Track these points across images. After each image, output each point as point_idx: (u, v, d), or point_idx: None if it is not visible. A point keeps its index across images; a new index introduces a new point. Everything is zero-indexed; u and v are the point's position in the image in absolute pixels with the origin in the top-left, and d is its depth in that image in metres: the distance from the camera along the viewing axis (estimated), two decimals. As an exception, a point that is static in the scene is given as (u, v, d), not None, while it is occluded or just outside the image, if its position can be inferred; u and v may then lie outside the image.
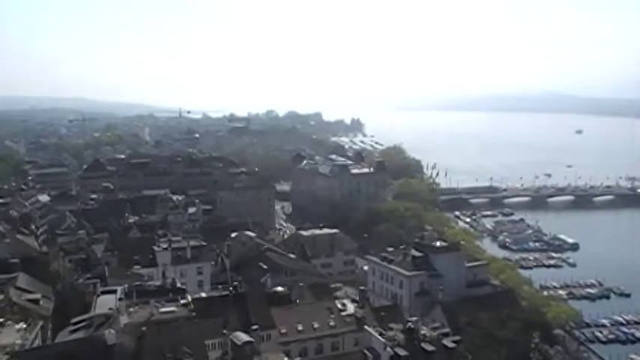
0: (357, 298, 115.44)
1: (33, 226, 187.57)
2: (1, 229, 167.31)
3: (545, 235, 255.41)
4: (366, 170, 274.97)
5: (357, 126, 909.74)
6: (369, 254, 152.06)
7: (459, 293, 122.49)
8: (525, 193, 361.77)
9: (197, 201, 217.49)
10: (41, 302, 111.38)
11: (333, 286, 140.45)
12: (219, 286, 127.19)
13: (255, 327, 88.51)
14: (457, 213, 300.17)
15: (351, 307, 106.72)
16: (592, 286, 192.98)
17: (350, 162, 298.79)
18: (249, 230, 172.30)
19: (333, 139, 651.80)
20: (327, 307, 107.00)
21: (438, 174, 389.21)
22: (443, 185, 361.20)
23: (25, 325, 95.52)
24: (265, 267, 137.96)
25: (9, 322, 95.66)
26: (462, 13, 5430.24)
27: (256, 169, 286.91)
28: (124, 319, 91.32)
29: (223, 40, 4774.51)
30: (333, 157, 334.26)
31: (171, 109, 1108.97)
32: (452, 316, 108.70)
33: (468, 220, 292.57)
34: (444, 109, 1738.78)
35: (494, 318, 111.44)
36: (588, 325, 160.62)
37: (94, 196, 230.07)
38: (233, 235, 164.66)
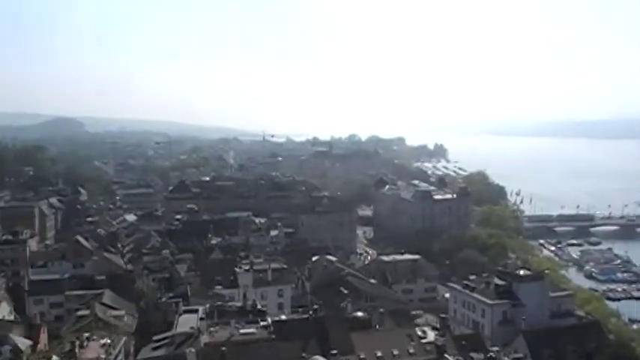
0: (438, 326, 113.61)
1: (119, 245, 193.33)
2: (89, 246, 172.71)
3: (635, 265, 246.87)
4: (448, 196, 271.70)
5: (440, 151, 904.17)
6: (450, 281, 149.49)
7: (543, 324, 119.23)
8: (614, 222, 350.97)
9: (279, 224, 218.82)
10: (125, 319, 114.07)
11: (413, 312, 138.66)
12: (300, 309, 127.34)
13: (334, 351, 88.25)
14: (542, 241, 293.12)
15: (431, 335, 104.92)
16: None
17: (433, 188, 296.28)
18: (331, 254, 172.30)
19: (416, 164, 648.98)
20: (407, 333, 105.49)
21: (522, 201, 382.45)
22: (527, 212, 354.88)
23: (109, 341, 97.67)
24: (346, 291, 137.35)
25: (94, 337, 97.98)
26: (543, 37, 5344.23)
27: (338, 193, 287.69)
28: (204, 339, 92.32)
29: (306, 65, 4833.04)
30: (416, 182, 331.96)
31: (255, 132, 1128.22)
32: (535, 347, 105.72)
33: (552, 248, 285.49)
34: (526, 134, 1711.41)
35: (579, 351, 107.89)
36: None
37: (178, 216, 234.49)
38: (314, 258, 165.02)
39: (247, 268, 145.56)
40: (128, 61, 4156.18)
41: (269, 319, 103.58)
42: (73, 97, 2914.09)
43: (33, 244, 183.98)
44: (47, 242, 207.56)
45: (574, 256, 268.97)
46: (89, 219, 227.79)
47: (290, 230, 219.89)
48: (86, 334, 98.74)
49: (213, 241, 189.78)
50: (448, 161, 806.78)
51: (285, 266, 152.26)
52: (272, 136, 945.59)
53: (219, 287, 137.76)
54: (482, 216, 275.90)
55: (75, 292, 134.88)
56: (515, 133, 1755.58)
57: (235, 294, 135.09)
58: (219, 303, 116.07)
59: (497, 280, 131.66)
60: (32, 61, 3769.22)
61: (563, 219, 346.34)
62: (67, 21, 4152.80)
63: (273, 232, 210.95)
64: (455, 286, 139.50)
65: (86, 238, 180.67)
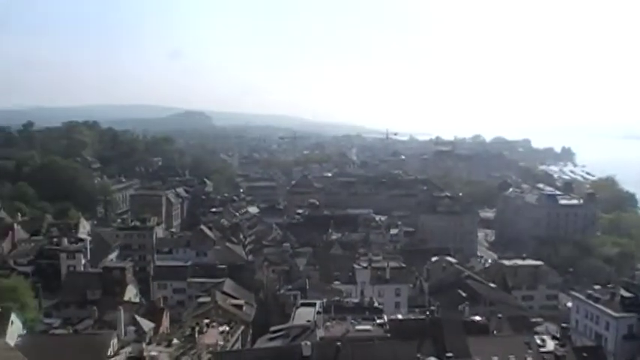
0: (558, 335, 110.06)
1: (241, 236, 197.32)
2: (212, 236, 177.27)
3: None
4: (575, 202, 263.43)
5: (567, 155, 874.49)
6: (573, 290, 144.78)
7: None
8: None
9: (399, 222, 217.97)
10: (244, 308, 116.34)
11: (533, 320, 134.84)
12: (416, 310, 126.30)
13: (449, 354, 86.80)
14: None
15: (550, 344, 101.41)
16: None
17: (558, 192, 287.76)
18: (450, 255, 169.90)
19: (541, 167, 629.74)
20: (525, 341, 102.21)
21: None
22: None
23: (227, 328, 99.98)
24: (464, 294, 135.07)
25: (214, 324, 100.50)
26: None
27: (460, 194, 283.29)
28: (320, 333, 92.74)
29: (431, 64, 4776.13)
30: (541, 186, 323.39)
31: (378, 130, 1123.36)
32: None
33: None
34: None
35: None
36: None
37: (300, 210, 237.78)
38: (433, 259, 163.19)
39: (366, 265, 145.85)
40: (254, 60, 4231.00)
41: (385, 317, 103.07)
42: (203, 92, 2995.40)
43: (159, 231, 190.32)
44: (173, 230, 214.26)
45: None
46: (213, 209, 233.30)
47: (410, 229, 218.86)
48: (206, 321, 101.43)
49: (333, 237, 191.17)
50: (575, 165, 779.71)
51: (403, 265, 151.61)
52: (395, 134, 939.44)
53: (337, 282, 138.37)
54: (609, 224, 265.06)
55: (197, 280, 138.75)
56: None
57: (353, 290, 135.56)
58: (336, 298, 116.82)
59: (623, 292, 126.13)
60: (167, 56, 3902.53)
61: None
62: (198, 20, 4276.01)
63: (393, 231, 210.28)
64: (578, 295, 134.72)
65: (210, 228, 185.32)
